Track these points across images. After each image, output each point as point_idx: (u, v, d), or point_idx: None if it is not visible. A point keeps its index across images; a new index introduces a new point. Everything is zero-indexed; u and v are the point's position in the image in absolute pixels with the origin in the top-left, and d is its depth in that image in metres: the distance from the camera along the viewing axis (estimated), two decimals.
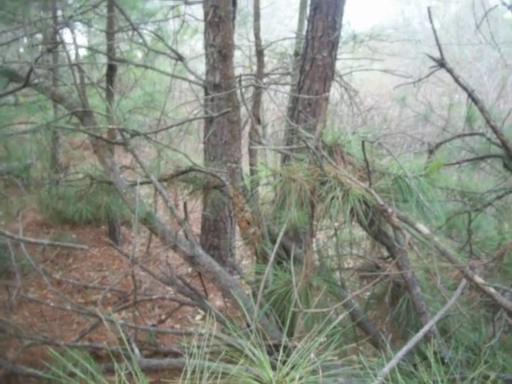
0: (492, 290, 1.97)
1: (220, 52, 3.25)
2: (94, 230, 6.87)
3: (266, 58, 6.70)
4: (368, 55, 7.75)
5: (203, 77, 5.58)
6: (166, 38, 7.19)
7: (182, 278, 3.96)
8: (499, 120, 5.33)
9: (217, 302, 5.15)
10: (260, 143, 3.10)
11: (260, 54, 3.42)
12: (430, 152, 4.38)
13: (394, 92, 6.84)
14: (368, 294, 3.44)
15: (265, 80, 6.49)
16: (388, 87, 9.63)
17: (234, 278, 3.40)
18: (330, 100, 6.73)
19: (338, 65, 6.73)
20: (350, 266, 4.19)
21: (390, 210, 2.16)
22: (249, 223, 3.39)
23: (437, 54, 3.63)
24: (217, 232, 5.84)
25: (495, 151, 4.30)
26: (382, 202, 2.17)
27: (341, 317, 2.28)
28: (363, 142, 2.16)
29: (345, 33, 6.96)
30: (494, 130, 3.70)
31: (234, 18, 5.13)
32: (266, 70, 6.71)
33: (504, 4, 4.40)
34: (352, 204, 2.17)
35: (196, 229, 6.78)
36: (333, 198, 2.20)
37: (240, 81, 3.17)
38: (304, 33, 3.92)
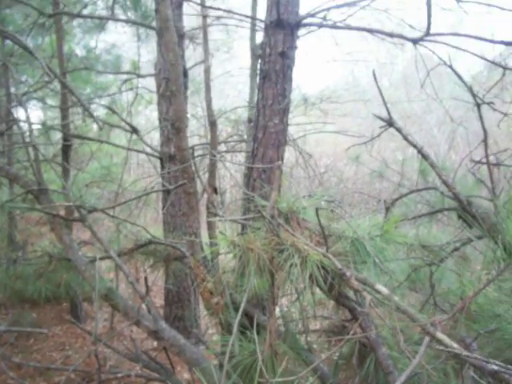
0: (455, 345, 1.99)
1: (173, 125, 3.29)
2: (55, 307, 6.71)
3: (220, 126, 6.80)
4: (321, 116, 7.94)
5: (159, 148, 5.63)
6: (121, 109, 7.27)
7: (147, 353, 3.88)
8: (452, 171, 5.49)
9: (184, 374, 5.03)
10: (216, 215, 3.12)
11: (213, 124, 3.48)
12: (387, 209, 4.46)
13: (349, 151, 6.99)
14: (337, 355, 3.42)
15: (221, 147, 6.57)
16: (342, 146, 9.84)
17: (200, 350, 3.35)
18: (286, 163, 6.84)
19: (292, 128, 6.87)
20: (317, 327, 4.18)
21: (348, 274, 2.18)
22: (211, 293, 3.37)
23: (385, 113, 3.76)
24: (180, 303, 5.77)
25: (450, 203, 4.40)
26: (340, 266, 2.19)
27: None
28: (317, 210, 2.19)
29: (296, 96, 7.14)
30: (446, 184, 3.81)
31: (186, 88, 5.23)
32: (221, 138, 6.80)
33: (445, 63, 4.59)
34: (310, 270, 2.18)
35: (160, 300, 6.68)
36: (291, 266, 2.21)
37: (193, 152, 3.20)
38: (256, 100, 4.02)
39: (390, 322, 2.15)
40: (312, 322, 4.31)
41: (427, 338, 1.99)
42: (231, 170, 6.66)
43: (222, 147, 6.80)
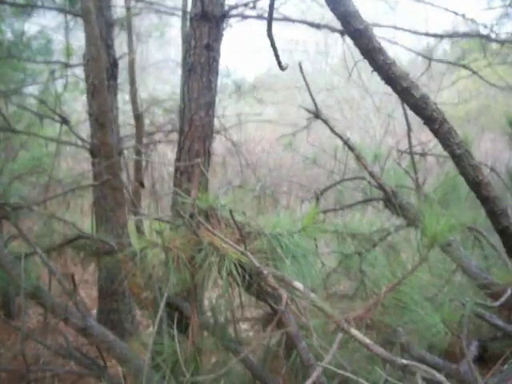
0: (367, 341, 2.04)
1: (97, 120, 3.24)
2: None
3: (152, 116, 6.70)
4: (254, 104, 7.92)
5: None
6: (55, 97, 7.05)
7: (79, 348, 3.85)
8: (387, 157, 5.60)
9: (119, 368, 4.99)
10: (137, 213, 3.10)
11: (138, 118, 3.44)
12: (317, 199, 4.53)
13: (284, 137, 7.04)
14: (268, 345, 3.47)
15: (156, 136, 6.50)
16: (281, 131, 9.89)
17: (129, 346, 3.34)
18: (220, 153, 6.83)
19: (229, 113, 6.86)
20: (254, 314, 4.21)
21: (265, 272, 2.20)
22: (140, 288, 3.36)
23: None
24: (115, 296, 5.71)
25: (379, 193, 4.49)
26: (257, 264, 2.21)
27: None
28: (231, 211, 2.21)
29: (232, 83, 7.13)
30: (371, 174, 3.89)
31: (115, 79, 5.13)
32: (155, 126, 6.70)
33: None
34: (228, 269, 2.20)
35: (95, 292, 6.58)
36: (209, 265, 2.22)
37: (112, 147, 3.15)
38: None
39: (307, 319, 2.19)
40: (247, 310, 4.34)
41: (340, 335, 2.03)
42: (156, 169, 6.57)
43: (159, 136, 6.72)
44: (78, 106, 13.39)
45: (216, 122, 4.52)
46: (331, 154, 6.79)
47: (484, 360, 3.76)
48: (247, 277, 2.31)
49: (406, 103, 1.83)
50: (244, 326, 4.83)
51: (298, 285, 2.22)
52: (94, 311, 6.43)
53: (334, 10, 1.62)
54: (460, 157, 1.82)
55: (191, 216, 2.39)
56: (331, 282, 4.65)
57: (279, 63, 2.35)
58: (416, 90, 1.77)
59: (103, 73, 3.18)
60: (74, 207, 6.89)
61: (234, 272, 2.21)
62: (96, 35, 3.11)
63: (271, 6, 2.07)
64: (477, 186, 1.88)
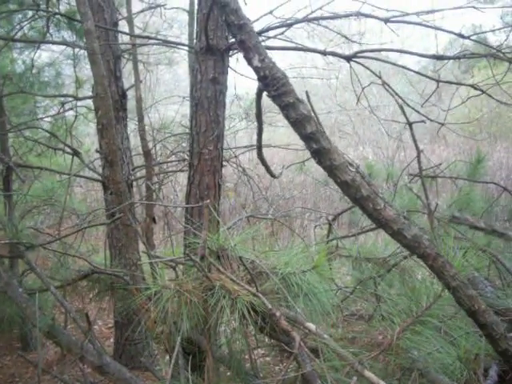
0: (382, 383, 2.02)
1: (106, 158, 3.25)
2: (6, 335, 6.51)
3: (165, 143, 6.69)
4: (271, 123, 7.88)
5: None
6: (66, 127, 7.09)
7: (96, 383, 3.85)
8: (399, 176, 5.58)
9: None
10: (149, 255, 3.11)
11: (147, 155, 3.45)
12: (329, 225, 4.52)
13: (298, 159, 7.03)
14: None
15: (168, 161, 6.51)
16: (294, 152, 9.83)
17: None
18: (231, 177, 6.84)
19: (240, 137, 6.86)
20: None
21: (277, 314, 2.19)
22: (155, 322, 3.35)
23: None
24: (131, 325, 5.70)
25: None
26: (270, 306, 2.20)
27: None
28: (241, 258, 2.20)
29: (241, 108, 7.16)
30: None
31: (125, 109, 5.16)
32: (167, 152, 6.71)
33: (381, 81, 4.64)
34: (241, 312, 2.19)
35: (112, 320, 6.57)
36: (221, 309, 2.21)
37: (122, 187, 3.16)
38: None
39: (321, 362, 2.17)
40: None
41: (355, 378, 2.01)
42: (167, 211, 6.55)
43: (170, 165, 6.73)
44: (91, 130, 13.48)
45: (226, 153, 4.56)
46: None
47: (505, 381, 3.71)
48: (260, 319, 2.30)
49: (399, 243, 1.91)
50: (262, 350, 4.81)
51: (311, 326, 2.21)
52: (112, 340, 6.42)
53: (319, 163, 1.74)
54: (455, 288, 1.92)
55: (202, 258, 2.38)
56: (347, 302, 4.63)
57: (271, 174, 2.49)
58: (408, 231, 1.84)
59: (111, 112, 3.19)
60: (89, 235, 6.90)
61: (247, 315, 2.19)
62: (102, 74, 3.12)
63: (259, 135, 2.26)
64: (474, 314, 1.99)
